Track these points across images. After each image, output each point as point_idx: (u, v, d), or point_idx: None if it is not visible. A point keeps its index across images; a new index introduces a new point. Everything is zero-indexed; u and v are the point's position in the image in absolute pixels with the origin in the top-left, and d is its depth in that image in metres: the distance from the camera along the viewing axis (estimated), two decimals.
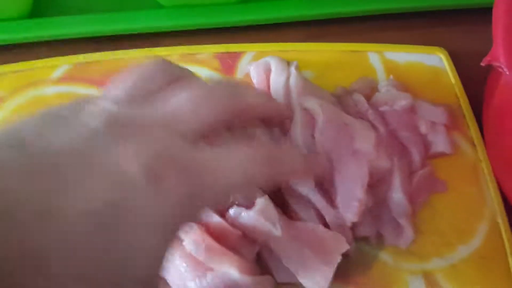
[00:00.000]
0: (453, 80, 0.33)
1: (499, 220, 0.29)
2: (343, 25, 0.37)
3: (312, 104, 0.27)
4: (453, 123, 0.32)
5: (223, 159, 0.21)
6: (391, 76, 0.33)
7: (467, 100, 0.32)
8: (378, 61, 0.34)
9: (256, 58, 0.33)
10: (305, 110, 0.27)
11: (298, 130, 0.27)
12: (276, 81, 0.29)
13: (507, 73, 0.24)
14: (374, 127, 0.29)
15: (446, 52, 0.34)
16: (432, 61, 0.34)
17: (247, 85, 0.29)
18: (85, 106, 0.19)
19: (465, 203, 0.30)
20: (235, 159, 0.21)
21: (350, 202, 0.25)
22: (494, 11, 0.26)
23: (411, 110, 0.30)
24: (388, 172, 0.28)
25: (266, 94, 0.29)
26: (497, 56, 0.25)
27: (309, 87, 0.29)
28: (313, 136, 0.27)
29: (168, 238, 0.19)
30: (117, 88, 0.21)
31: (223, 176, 0.20)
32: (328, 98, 0.29)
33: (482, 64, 0.28)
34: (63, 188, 0.17)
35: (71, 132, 0.18)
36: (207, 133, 0.21)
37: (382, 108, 0.30)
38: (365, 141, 0.26)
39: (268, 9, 0.37)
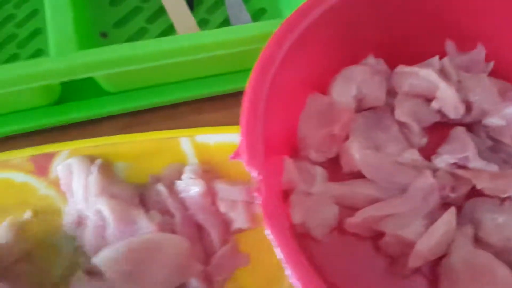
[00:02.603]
0: None
1: None
2: (157, 112, 0.40)
3: (103, 205, 0.31)
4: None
5: None
6: (190, 166, 0.34)
7: None
8: (190, 145, 0.36)
9: (70, 156, 0.35)
10: (98, 211, 0.31)
11: (90, 232, 0.31)
12: (77, 182, 0.33)
13: (247, 167, 0.28)
14: (170, 214, 0.33)
15: None
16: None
17: None
18: None
19: (268, 272, 0.32)
20: None
21: None
22: (241, 113, 0.29)
23: (210, 192, 0.34)
24: None
25: None
26: (240, 154, 0.28)
27: (111, 183, 0.32)
28: (104, 237, 0.31)
29: None
30: None
31: None
32: (130, 192, 0.33)
33: (230, 159, 0.31)
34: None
35: None
36: None
37: (181, 195, 0.34)
38: None
39: (83, 108, 0.38)
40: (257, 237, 0.33)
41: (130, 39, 0.43)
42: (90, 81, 0.37)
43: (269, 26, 0.36)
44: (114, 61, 0.34)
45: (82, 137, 0.38)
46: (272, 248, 0.30)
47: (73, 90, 0.39)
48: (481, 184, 0.35)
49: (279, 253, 0.26)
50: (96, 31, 0.42)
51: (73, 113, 0.38)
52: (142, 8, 0.45)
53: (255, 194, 0.27)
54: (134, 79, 0.38)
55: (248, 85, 0.30)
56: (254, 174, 0.27)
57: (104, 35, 0.42)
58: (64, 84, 0.38)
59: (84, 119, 0.39)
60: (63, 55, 0.34)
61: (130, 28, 0.43)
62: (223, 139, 0.36)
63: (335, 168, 0.37)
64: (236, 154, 0.28)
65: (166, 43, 0.35)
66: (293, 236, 0.27)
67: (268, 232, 0.27)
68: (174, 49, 0.35)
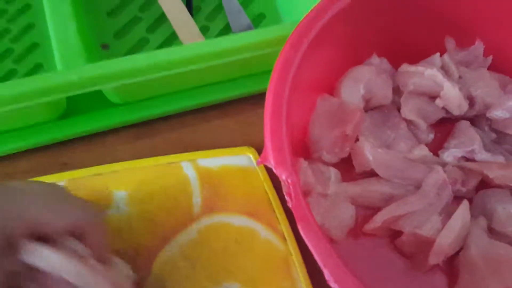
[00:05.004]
0: (261, 177, 0.35)
1: None
2: (165, 122, 0.40)
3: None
4: (264, 219, 0.33)
5: None
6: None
7: (276, 195, 0.34)
8: (192, 169, 0.35)
9: (67, 186, 0.33)
10: None
11: None
12: None
13: (276, 170, 0.28)
14: None
15: (254, 150, 0.36)
16: (242, 161, 0.36)
17: None
18: None
19: None
20: None
21: None
22: (264, 117, 0.30)
23: None
24: None
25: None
26: (267, 158, 0.28)
27: None
28: None
29: None
30: None
31: None
32: None
33: (257, 165, 0.32)
34: None
35: None
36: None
37: None
38: None
39: (90, 120, 0.37)
40: (268, 261, 0.32)
41: (132, 49, 0.42)
42: (96, 93, 0.36)
43: (278, 31, 0.36)
44: (125, 73, 0.34)
45: (88, 151, 0.38)
46: (283, 272, 0.32)
47: (79, 103, 0.38)
48: (493, 173, 0.36)
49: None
50: (97, 42, 0.42)
51: (80, 127, 0.37)
52: (141, 18, 0.44)
53: (286, 197, 0.27)
54: (143, 90, 0.38)
55: (269, 88, 0.30)
56: (283, 177, 0.27)
57: (105, 46, 0.42)
58: (68, 97, 0.37)
59: (91, 132, 0.38)
60: (71, 68, 0.33)
61: (130, 38, 0.43)
62: (226, 162, 0.35)
63: (347, 168, 0.37)
64: (263, 159, 0.28)
65: (181, 51, 0.35)
66: (325, 236, 0.27)
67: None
68: (193, 56, 0.34)
